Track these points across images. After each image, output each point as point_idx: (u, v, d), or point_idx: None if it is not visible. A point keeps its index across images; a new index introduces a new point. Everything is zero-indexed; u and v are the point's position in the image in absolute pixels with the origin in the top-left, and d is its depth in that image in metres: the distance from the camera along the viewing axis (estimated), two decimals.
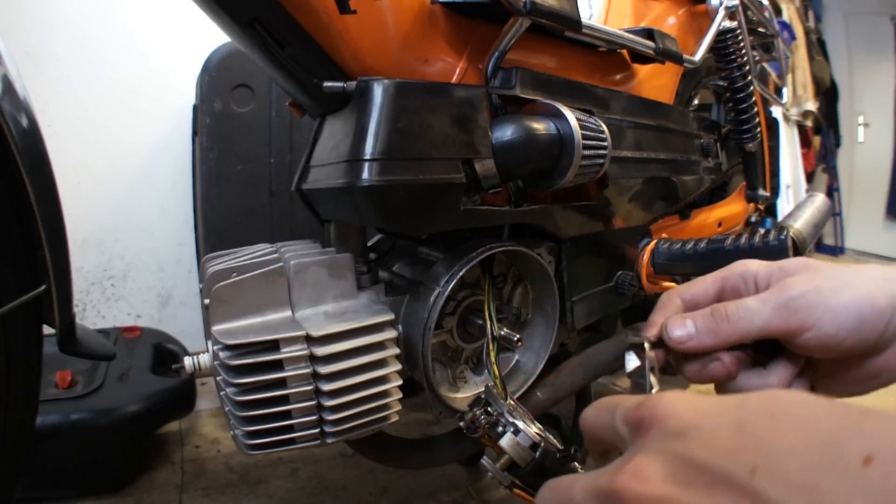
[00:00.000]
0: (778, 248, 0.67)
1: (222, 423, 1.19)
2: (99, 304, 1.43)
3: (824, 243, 3.71)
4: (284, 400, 0.49)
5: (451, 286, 0.54)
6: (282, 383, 0.49)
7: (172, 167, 1.45)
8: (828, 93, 3.52)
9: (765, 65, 1.64)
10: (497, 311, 0.60)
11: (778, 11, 2.81)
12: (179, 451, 1.10)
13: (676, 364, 0.38)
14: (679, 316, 0.38)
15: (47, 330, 0.57)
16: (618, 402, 0.28)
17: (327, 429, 0.52)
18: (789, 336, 0.34)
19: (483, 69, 0.59)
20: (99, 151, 1.38)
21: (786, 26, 2.80)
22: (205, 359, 0.54)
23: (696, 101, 1.09)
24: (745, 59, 0.96)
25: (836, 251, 3.68)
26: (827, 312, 0.33)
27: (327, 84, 0.51)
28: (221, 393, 0.53)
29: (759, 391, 0.25)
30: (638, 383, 0.36)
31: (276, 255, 0.57)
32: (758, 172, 1.09)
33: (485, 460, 0.45)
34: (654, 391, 0.34)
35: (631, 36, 0.71)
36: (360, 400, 0.52)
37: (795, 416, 0.22)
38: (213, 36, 0.92)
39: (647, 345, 0.37)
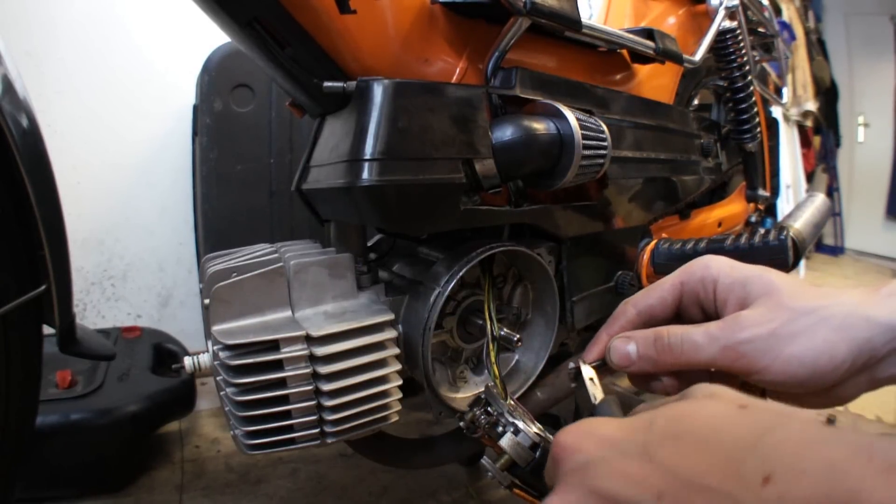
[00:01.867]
0: (778, 248, 0.67)
1: (222, 423, 1.19)
2: (99, 304, 1.43)
3: (824, 243, 3.71)
4: (284, 400, 0.49)
5: (451, 286, 0.54)
6: (282, 383, 0.49)
7: (172, 167, 1.45)
8: (828, 93, 3.52)
9: (765, 65, 1.63)
10: (497, 311, 0.60)
11: (778, 11, 2.81)
12: (179, 451, 1.10)
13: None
14: (623, 337, 0.37)
15: (47, 330, 0.57)
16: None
17: (327, 429, 0.52)
18: (734, 374, 0.33)
19: (483, 69, 0.59)
20: (99, 151, 1.38)
21: (786, 26, 2.80)
22: (205, 359, 0.54)
23: (696, 101, 1.09)
24: (745, 59, 0.96)
25: (836, 251, 3.68)
26: (777, 362, 0.31)
27: (327, 84, 0.51)
28: (221, 393, 0.53)
29: (667, 407, 0.26)
30: (582, 395, 0.38)
31: (276, 255, 0.57)
32: (758, 172, 1.09)
33: (485, 460, 0.45)
34: (598, 400, 0.36)
35: (631, 36, 0.71)
36: (359, 400, 0.52)
37: (699, 437, 0.23)
38: (213, 36, 0.92)
39: (584, 367, 0.39)
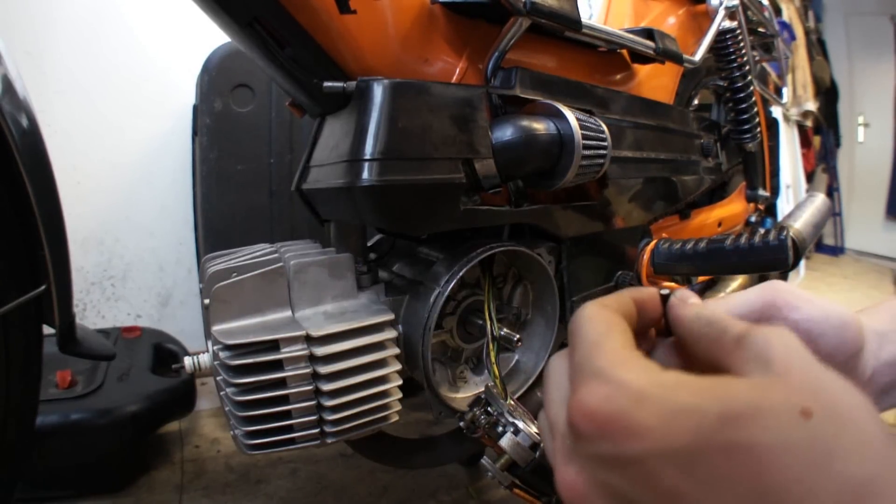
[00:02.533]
0: (778, 248, 0.67)
1: (222, 423, 1.19)
2: (99, 304, 1.43)
3: (824, 243, 3.71)
4: (284, 400, 0.49)
5: (451, 286, 0.54)
6: (282, 383, 0.49)
7: (172, 167, 1.45)
8: (828, 93, 3.52)
9: (765, 65, 1.63)
10: (497, 311, 0.60)
11: (778, 11, 2.81)
12: (179, 451, 1.10)
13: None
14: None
15: (47, 330, 0.57)
16: (569, 371, 0.24)
17: (327, 429, 0.52)
18: (774, 312, 0.31)
19: (483, 69, 0.59)
20: (99, 151, 1.38)
21: (786, 26, 2.80)
22: (205, 359, 0.54)
23: (696, 101, 1.09)
24: (745, 59, 0.96)
25: (836, 251, 3.68)
26: (812, 303, 0.31)
27: (327, 84, 0.51)
28: (221, 393, 0.53)
29: (722, 400, 0.19)
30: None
31: (276, 255, 0.57)
32: (758, 172, 1.09)
33: (485, 460, 0.45)
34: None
35: (631, 36, 0.71)
36: (359, 400, 0.52)
37: (753, 462, 0.18)
38: (213, 36, 0.92)
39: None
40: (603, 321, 0.24)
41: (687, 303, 0.28)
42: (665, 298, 0.29)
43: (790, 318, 0.31)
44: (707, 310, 0.26)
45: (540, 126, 0.56)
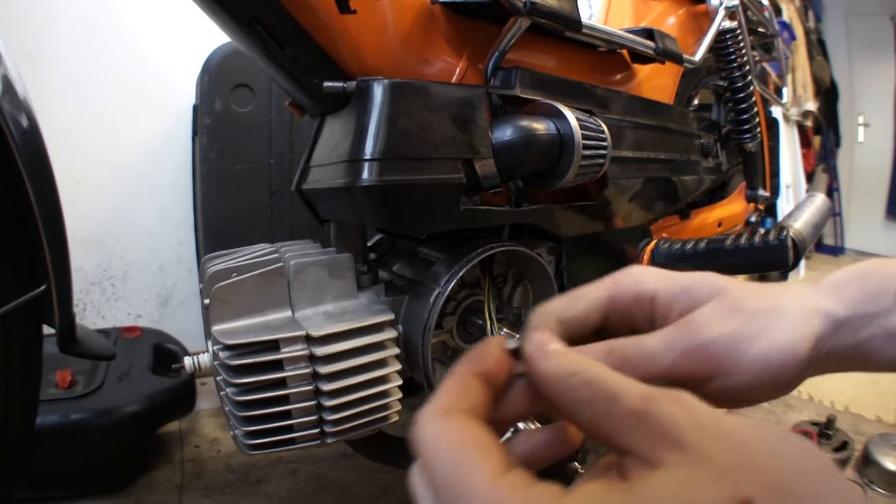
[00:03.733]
0: (778, 248, 0.67)
1: (222, 423, 1.19)
2: (99, 304, 1.43)
3: (824, 243, 3.71)
4: (284, 400, 0.49)
5: (451, 286, 0.54)
6: (282, 383, 0.49)
7: (172, 167, 1.45)
8: (828, 93, 3.51)
9: (765, 65, 1.63)
10: (497, 311, 0.60)
11: (778, 11, 2.81)
12: (179, 451, 1.10)
13: None
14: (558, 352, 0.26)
15: (47, 330, 0.57)
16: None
17: (327, 429, 0.52)
18: (695, 383, 0.28)
19: (483, 69, 0.59)
20: (99, 151, 1.38)
21: (786, 26, 2.80)
22: (205, 359, 0.54)
23: (696, 101, 1.09)
24: (745, 59, 0.96)
25: (836, 251, 3.68)
26: (742, 363, 0.28)
27: (327, 84, 0.51)
28: (221, 393, 0.53)
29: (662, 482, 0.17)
30: None
31: (276, 255, 0.57)
32: (758, 172, 1.09)
33: None
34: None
35: (631, 36, 0.71)
36: (360, 400, 0.52)
37: None
38: (213, 36, 0.92)
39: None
40: (456, 442, 0.20)
41: (548, 353, 0.23)
42: (516, 352, 0.24)
43: (638, 290, 0.31)
44: (579, 363, 0.22)
45: (540, 126, 0.56)
